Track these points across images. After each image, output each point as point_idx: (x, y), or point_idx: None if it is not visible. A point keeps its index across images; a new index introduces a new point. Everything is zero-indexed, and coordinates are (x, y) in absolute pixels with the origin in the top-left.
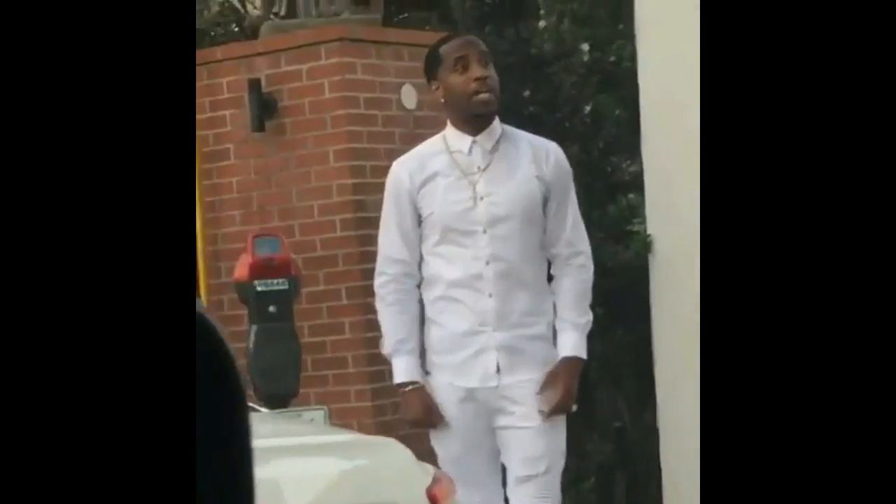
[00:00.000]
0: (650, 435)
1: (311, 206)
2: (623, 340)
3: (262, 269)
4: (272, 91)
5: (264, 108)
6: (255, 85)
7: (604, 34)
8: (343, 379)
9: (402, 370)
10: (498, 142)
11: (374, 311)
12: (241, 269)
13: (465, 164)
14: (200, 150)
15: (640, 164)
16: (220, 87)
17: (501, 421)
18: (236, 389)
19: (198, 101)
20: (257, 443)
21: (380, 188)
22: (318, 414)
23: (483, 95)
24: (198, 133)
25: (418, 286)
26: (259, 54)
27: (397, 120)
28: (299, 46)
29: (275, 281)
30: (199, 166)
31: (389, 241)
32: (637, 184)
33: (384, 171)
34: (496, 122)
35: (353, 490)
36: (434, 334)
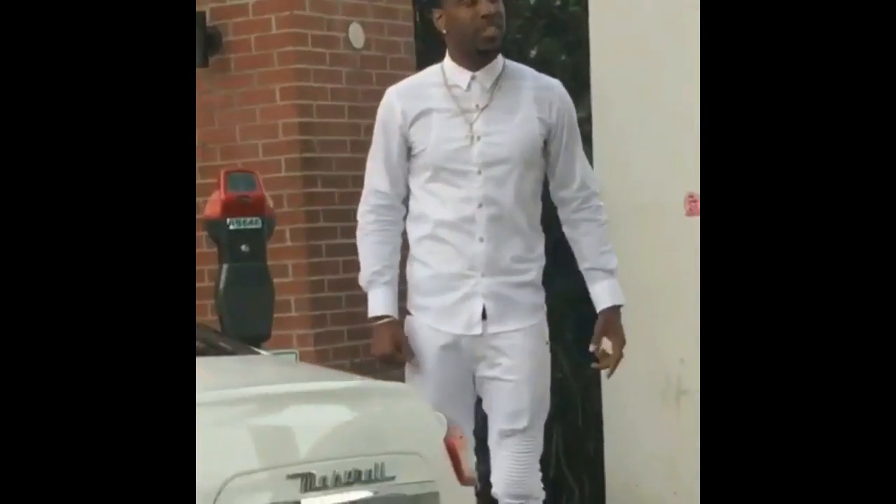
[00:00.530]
0: (591, 386)
1: (256, 146)
2: (564, 291)
3: (235, 207)
4: (216, 25)
5: (208, 43)
6: (198, 19)
7: None
8: (284, 323)
9: (376, 303)
10: (499, 78)
11: (318, 253)
12: (212, 207)
13: (462, 100)
14: None
15: (587, 110)
16: None
17: (486, 371)
18: None
19: None
20: (268, 389)
21: (326, 128)
22: (290, 357)
23: (489, 30)
24: None
25: (404, 219)
26: None
27: (344, 59)
28: None
29: (248, 219)
30: None
31: (374, 172)
32: (583, 132)
33: (330, 110)
34: (498, 58)
35: (370, 438)
36: (418, 273)
